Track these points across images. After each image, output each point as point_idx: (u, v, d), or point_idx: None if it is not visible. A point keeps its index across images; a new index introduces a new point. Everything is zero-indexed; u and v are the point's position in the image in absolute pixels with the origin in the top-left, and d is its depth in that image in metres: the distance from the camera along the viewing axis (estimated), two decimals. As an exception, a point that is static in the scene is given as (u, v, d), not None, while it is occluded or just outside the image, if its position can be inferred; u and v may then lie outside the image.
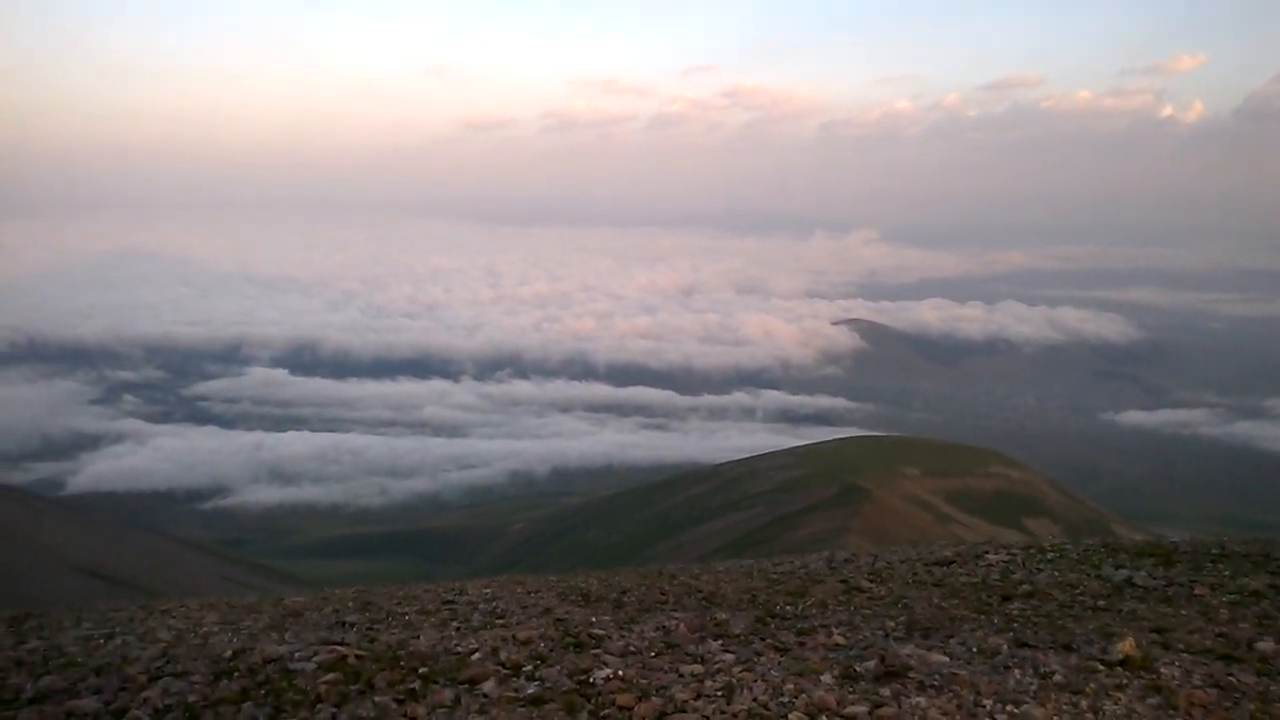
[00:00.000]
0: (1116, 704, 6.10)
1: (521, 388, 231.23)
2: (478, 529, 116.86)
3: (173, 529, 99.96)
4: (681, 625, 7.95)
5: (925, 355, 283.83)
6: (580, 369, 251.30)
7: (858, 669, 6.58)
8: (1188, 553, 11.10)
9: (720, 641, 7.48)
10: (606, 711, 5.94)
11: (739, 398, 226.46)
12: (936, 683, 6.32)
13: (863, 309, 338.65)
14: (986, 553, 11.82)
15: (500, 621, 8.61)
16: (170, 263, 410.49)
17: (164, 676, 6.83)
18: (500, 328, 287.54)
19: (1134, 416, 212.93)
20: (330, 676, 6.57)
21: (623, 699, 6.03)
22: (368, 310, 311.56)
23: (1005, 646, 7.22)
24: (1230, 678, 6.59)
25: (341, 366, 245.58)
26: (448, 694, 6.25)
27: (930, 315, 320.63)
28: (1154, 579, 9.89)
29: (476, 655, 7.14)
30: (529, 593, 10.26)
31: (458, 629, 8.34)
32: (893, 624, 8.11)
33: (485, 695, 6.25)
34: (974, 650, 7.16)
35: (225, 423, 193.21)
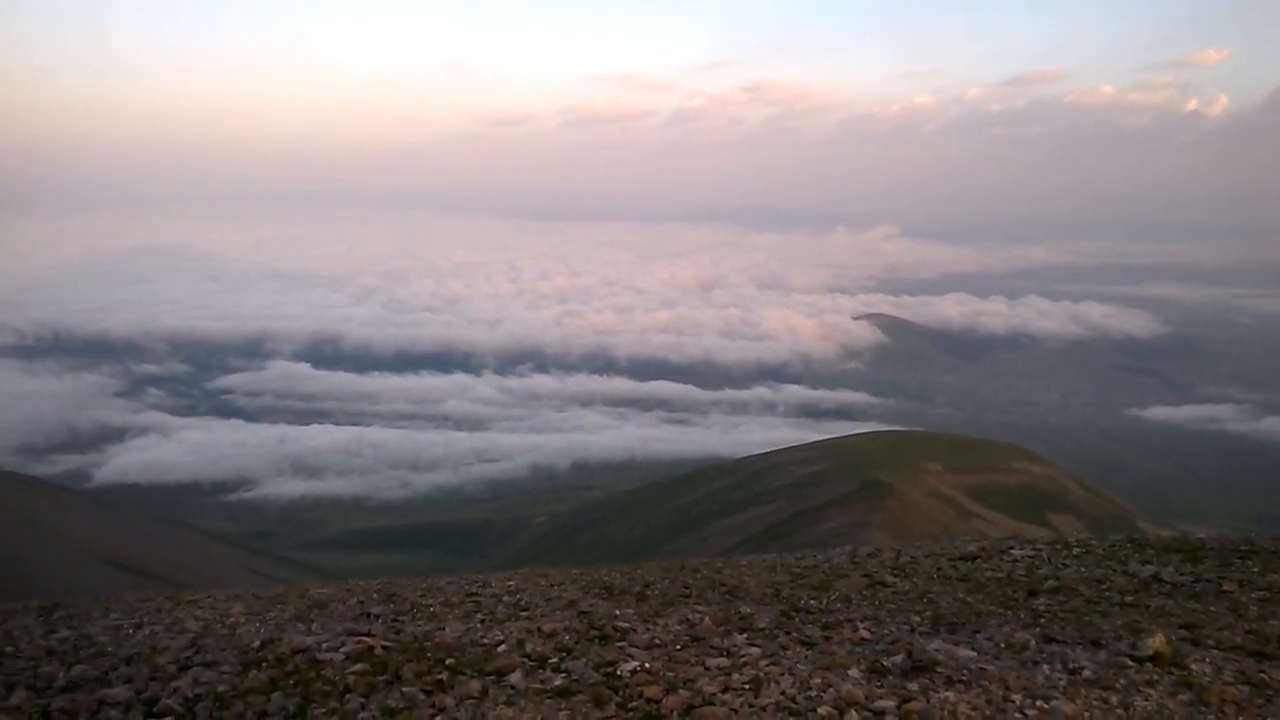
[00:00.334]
0: (1147, 700, 6.05)
1: (543, 382, 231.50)
2: (499, 522, 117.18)
3: (197, 521, 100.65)
4: (706, 619, 7.95)
5: (947, 350, 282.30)
6: (601, 363, 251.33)
7: (885, 664, 6.56)
8: (1215, 549, 11.01)
9: (745, 635, 7.47)
10: (634, 704, 5.94)
11: (760, 392, 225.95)
12: (965, 678, 6.30)
13: (884, 304, 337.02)
14: (1011, 548, 11.76)
15: (524, 614, 8.64)
16: (195, 258, 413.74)
17: (193, 666, 6.90)
18: (521, 322, 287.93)
19: (1159, 412, 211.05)
20: (358, 667, 6.61)
21: (650, 691, 6.03)
22: (390, 305, 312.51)
23: (1033, 642, 7.18)
24: (1262, 674, 6.53)
25: (364, 360, 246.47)
26: (475, 685, 6.27)
27: (952, 310, 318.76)
28: (1181, 575, 9.81)
29: (502, 647, 7.17)
30: (552, 586, 10.29)
31: (482, 621, 8.37)
32: (918, 619, 8.08)
33: (512, 687, 6.27)
34: (1001, 645, 7.12)
35: (249, 416, 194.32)
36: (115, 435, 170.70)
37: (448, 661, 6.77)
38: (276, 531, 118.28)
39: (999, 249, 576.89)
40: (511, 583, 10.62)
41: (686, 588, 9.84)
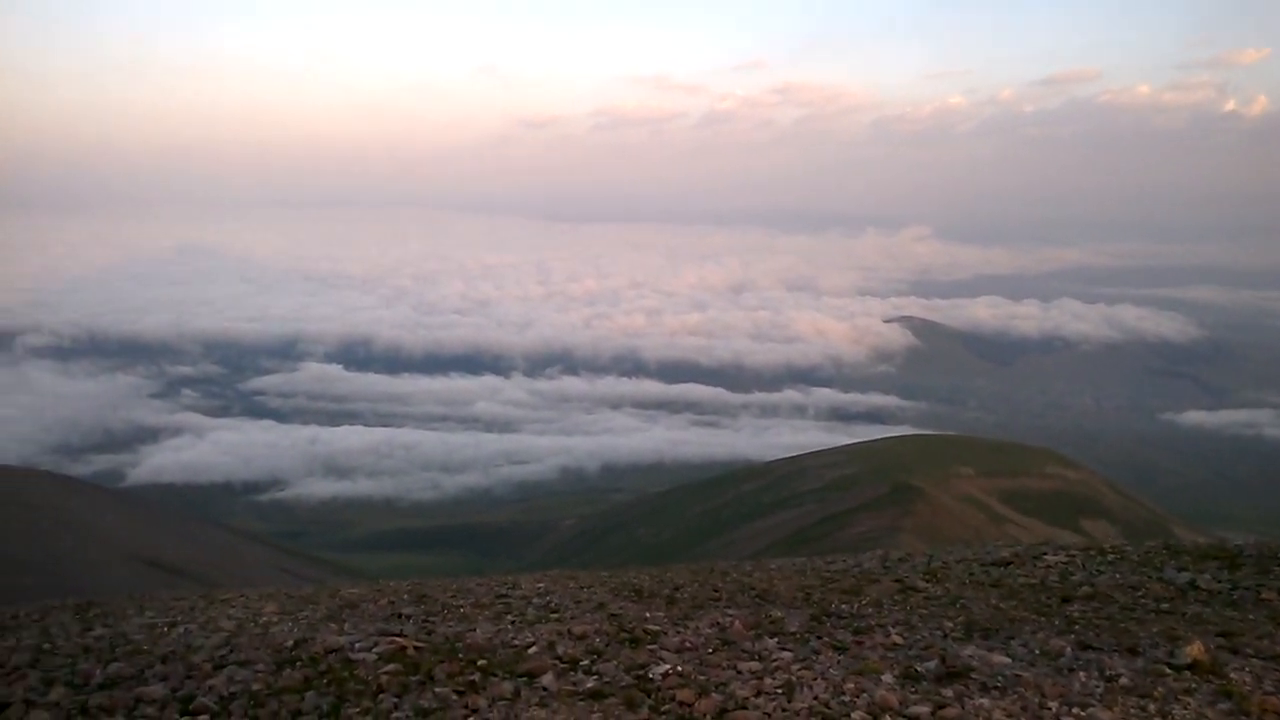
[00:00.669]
0: (1186, 709, 5.97)
1: (572, 384, 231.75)
2: (528, 524, 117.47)
3: (230, 521, 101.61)
4: (737, 622, 7.93)
5: (979, 353, 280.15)
6: (631, 365, 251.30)
7: (919, 669, 6.52)
8: (1253, 556, 10.85)
9: (776, 639, 7.45)
10: (667, 707, 5.94)
11: (790, 395, 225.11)
12: (1000, 684, 6.24)
13: (915, 306, 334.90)
14: (1045, 554, 11.66)
15: (555, 616, 8.66)
16: (229, 259, 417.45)
17: (228, 665, 6.96)
18: (551, 324, 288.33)
19: (1194, 417, 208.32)
20: (390, 667, 6.65)
21: (683, 695, 6.02)
22: (420, 306, 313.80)
23: (1068, 649, 7.10)
24: (1303, 684, 6.42)
25: (394, 362, 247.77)
26: (507, 687, 6.29)
27: (984, 313, 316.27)
28: (1218, 582, 9.69)
29: (533, 649, 7.18)
30: (582, 588, 10.30)
31: (513, 623, 8.40)
32: (951, 624, 8.03)
33: (545, 689, 6.28)
34: (1036, 652, 7.06)
35: (281, 417, 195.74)
36: (149, 435, 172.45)
37: (479, 663, 6.80)
38: (307, 531, 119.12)
39: (1032, 251, 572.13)
40: (541, 585, 10.64)
41: (716, 591, 9.82)
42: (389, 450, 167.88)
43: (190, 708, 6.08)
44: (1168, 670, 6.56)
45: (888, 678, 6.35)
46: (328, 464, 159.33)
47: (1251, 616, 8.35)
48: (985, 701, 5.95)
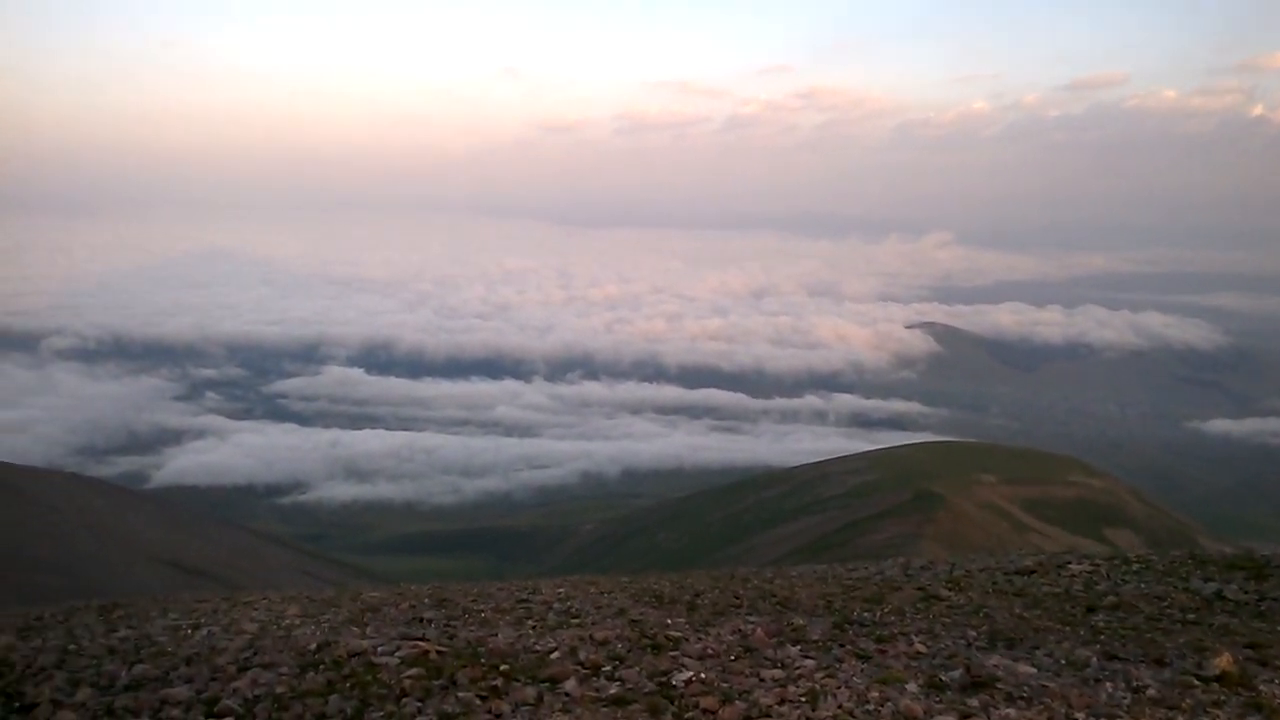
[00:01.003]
0: (1215, 721, 5.91)
1: (592, 389, 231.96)
2: (548, 529, 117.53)
3: (252, 523, 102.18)
4: (759, 629, 7.90)
5: (1002, 360, 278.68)
6: (651, 370, 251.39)
7: (943, 678, 6.47)
8: (1280, 566, 10.74)
9: (799, 647, 7.42)
10: (690, 714, 5.92)
11: (811, 401, 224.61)
12: (1026, 694, 6.18)
13: (937, 312, 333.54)
14: (1069, 563, 11.58)
15: (575, 621, 8.65)
16: (252, 263, 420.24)
17: (252, 667, 6.99)
18: (572, 329, 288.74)
19: (1220, 425, 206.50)
20: (413, 671, 6.66)
21: (706, 702, 6.00)
22: (441, 311, 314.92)
23: (1094, 659, 7.04)
24: (1334, 697, 6.34)
25: (416, 366, 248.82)
26: (530, 692, 6.29)
27: (1007, 319, 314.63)
28: (1245, 593, 9.59)
29: (555, 654, 7.18)
30: (602, 593, 10.29)
31: (534, 627, 8.40)
32: (974, 633, 7.97)
33: (567, 694, 6.28)
34: (1062, 662, 7.00)
35: (303, 420, 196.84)
36: (173, 438, 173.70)
37: (502, 667, 6.80)
38: (328, 534, 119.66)
39: (1056, 257, 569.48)
40: (562, 590, 10.64)
41: (737, 598, 9.79)
42: (410, 454, 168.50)
43: (215, 710, 6.11)
44: (1196, 682, 6.49)
45: (912, 687, 6.30)
46: (349, 467, 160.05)
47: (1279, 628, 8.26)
48: (1011, 712, 5.90)
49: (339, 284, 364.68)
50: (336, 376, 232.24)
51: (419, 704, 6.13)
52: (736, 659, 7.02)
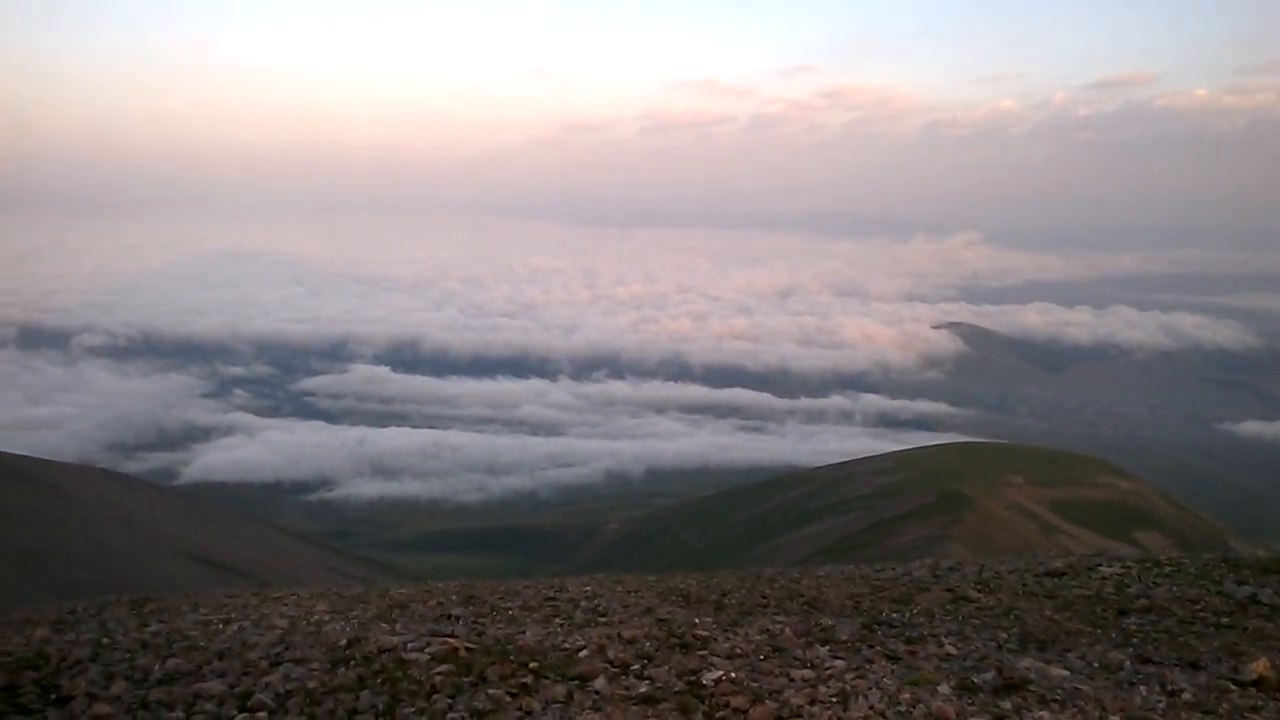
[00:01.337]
0: (1253, 726, 5.84)
1: (618, 388, 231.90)
2: (573, 527, 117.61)
3: (279, 519, 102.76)
4: (787, 629, 7.88)
5: (1030, 360, 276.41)
6: (676, 370, 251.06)
7: (975, 680, 6.42)
8: (1316, 570, 10.59)
9: (828, 647, 7.39)
10: (721, 714, 5.91)
11: (837, 401, 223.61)
12: (1059, 697, 6.13)
13: (965, 312, 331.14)
14: (1099, 565, 11.47)
15: (603, 619, 8.65)
16: (280, 262, 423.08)
17: (284, 662, 7.04)
18: (597, 328, 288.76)
19: (1252, 427, 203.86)
20: (443, 668, 6.69)
21: (736, 701, 5.98)
22: (467, 309, 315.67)
23: (1127, 662, 6.97)
24: (1373, 703, 6.25)
25: (441, 364, 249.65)
26: (560, 690, 6.30)
27: (1036, 319, 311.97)
28: (1280, 597, 9.46)
29: (584, 652, 7.18)
30: (629, 592, 10.29)
31: (561, 625, 8.41)
32: (1005, 635, 7.92)
33: (597, 693, 6.28)
34: (1095, 665, 6.94)
35: (330, 418, 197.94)
36: (202, 434, 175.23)
37: (531, 665, 6.81)
38: (355, 531, 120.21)
39: (1085, 257, 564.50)
40: (588, 588, 10.65)
41: (764, 597, 9.77)
42: (436, 452, 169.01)
43: (248, 704, 6.16)
44: (1232, 686, 6.41)
45: (944, 689, 6.26)
46: (375, 465, 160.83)
47: (1316, 633, 8.15)
48: (1045, 715, 5.85)
49: (366, 283, 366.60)
50: (363, 375, 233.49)
51: (450, 700, 6.15)
52: (765, 659, 7.00)
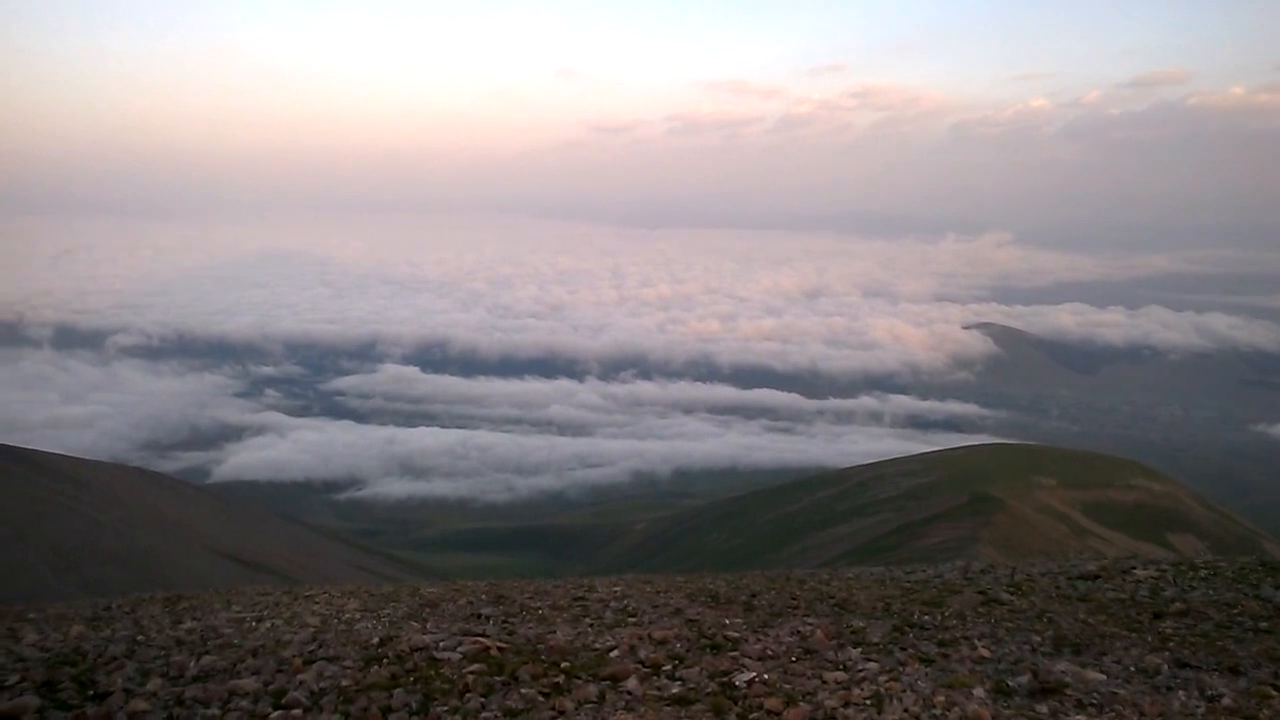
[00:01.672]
0: (1294, 732, 5.75)
1: (645, 388, 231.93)
2: (601, 527, 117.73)
3: (309, 518, 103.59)
4: (818, 631, 7.84)
5: (1062, 361, 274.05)
6: (704, 370, 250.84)
7: (1010, 684, 6.36)
8: (1355, 575, 10.43)
9: (859, 649, 7.34)
10: (755, 715, 5.88)
11: (866, 402, 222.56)
12: (1096, 701, 6.06)
13: (995, 313, 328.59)
14: (1133, 568, 11.34)
15: (633, 620, 8.65)
16: (311, 263, 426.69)
17: (317, 660, 7.08)
18: (625, 328, 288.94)
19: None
20: (475, 667, 6.71)
21: (770, 703, 5.96)
22: (495, 310, 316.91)
23: (1165, 667, 6.88)
24: None
25: (470, 365, 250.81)
26: (592, 690, 6.31)
27: (1068, 320, 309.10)
28: (1319, 602, 9.31)
29: (615, 653, 7.18)
30: (658, 592, 10.28)
31: (591, 625, 8.41)
32: (1038, 639, 7.84)
33: (629, 693, 6.28)
34: (1131, 669, 6.85)
35: (360, 417, 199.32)
36: (234, 434, 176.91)
37: (563, 665, 6.82)
38: (384, 530, 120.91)
39: (1118, 257, 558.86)
40: (617, 588, 10.66)
41: (794, 599, 9.73)
42: (464, 452, 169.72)
43: (282, 702, 6.20)
44: (1273, 692, 6.30)
45: (979, 692, 6.20)
46: (404, 464, 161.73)
47: (1356, 639, 8.01)
48: (1082, 719, 5.79)
49: (395, 284, 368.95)
50: (392, 374, 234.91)
51: (483, 700, 6.17)
52: (797, 660, 6.97)
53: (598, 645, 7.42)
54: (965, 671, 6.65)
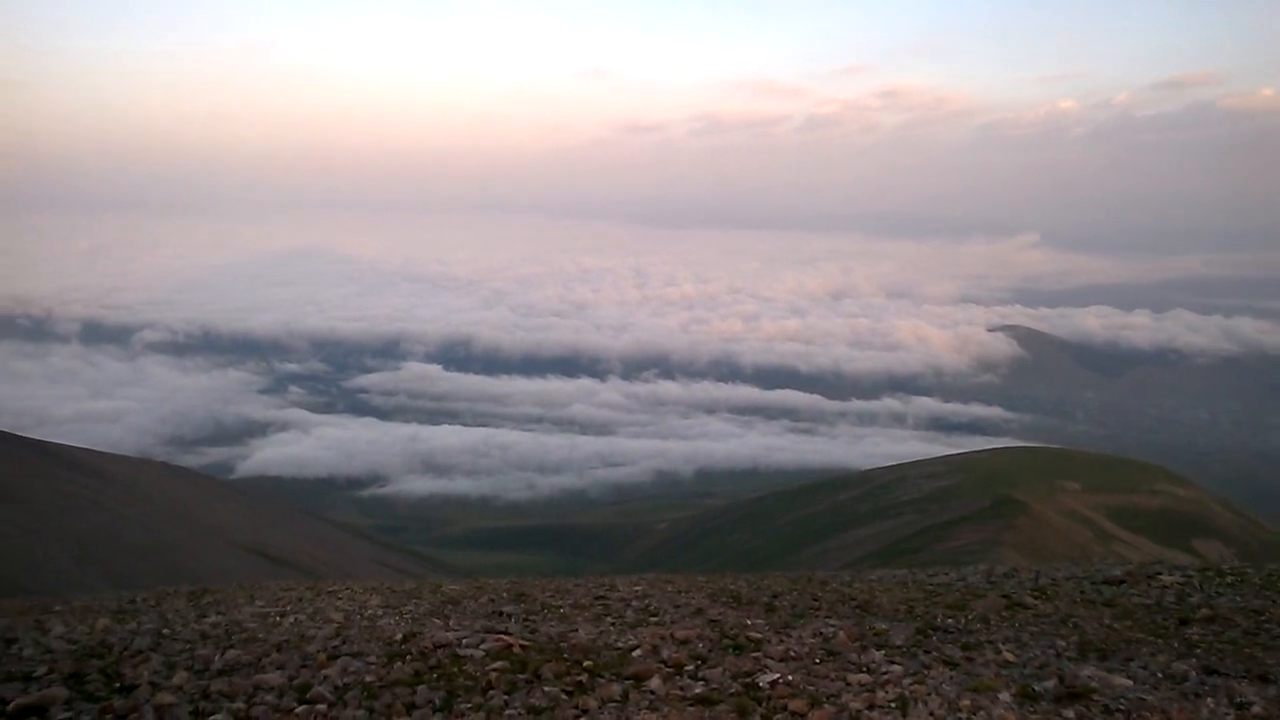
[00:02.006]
0: (1326, 742, 5.68)
1: (668, 388, 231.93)
2: (622, 526, 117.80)
3: (332, 514, 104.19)
4: (841, 633, 7.81)
5: (1088, 365, 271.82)
6: (727, 371, 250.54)
7: (1036, 688, 6.31)
8: (1385, 583, 10.29)
9: (883, 652, 7.31)
10: (779, 716, 5.86)
11: (889, 404, 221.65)
12: (1123, 707, 6.00)
13: (1021, 315, 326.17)
14: (1159, 573, 11.24)
15: (655, 619, 8.65)
16: (336, 261, 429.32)
17: (341, 655, 7.12)
18: (648, 328, 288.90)
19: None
20: (498, 664, 6.72)
21: (794, 705, 5.93)
22: (519, 309, 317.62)
23: (1192, 673, 6.81)
24: None
25: (493, 363, 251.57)
26: (615, 689, 6.31)
27: (1094, 323, 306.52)
28: (1349, 610, 9.19)
29: (637, 652, 7.18)
30: (680, 592, 10.28)
31: (613, 624, 8.42)
32: (1064, 644, 7.78)
33: (653, 692, 6.27)
34: (1159, 675, 6.78)
35: (383, 415, 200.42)
36: (258, 430, 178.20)
37: (585, 663, 6.83)
38: (406, 527, 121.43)
39: (1145, 260, 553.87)
40: (639, 587, 10.66)
41: (816, 600, 9.70)
42: (486, 450, 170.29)
43: (307, 696, 6.24)
44: (1304, 700, 6.23)
45: (1005, 696, 6.15)
46: (427, 462, 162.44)
47: (1388, 647, 7.91)
48: (1109, 724, 5.75)
49: (419, 282, 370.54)
50: (416, 372, 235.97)
51: (506, 697, 6.18)
52: (820, 662, 6.95)
53: (620, 644, 7.42)
54: (990, 675, 6.60)
